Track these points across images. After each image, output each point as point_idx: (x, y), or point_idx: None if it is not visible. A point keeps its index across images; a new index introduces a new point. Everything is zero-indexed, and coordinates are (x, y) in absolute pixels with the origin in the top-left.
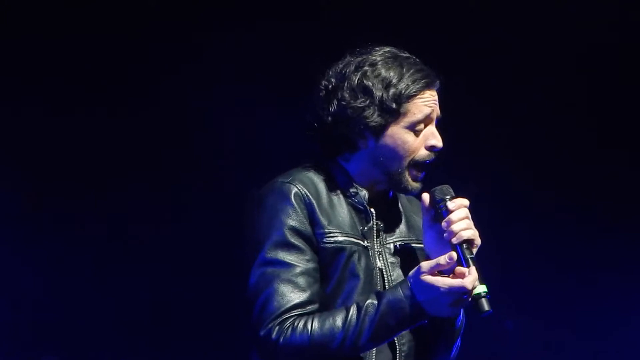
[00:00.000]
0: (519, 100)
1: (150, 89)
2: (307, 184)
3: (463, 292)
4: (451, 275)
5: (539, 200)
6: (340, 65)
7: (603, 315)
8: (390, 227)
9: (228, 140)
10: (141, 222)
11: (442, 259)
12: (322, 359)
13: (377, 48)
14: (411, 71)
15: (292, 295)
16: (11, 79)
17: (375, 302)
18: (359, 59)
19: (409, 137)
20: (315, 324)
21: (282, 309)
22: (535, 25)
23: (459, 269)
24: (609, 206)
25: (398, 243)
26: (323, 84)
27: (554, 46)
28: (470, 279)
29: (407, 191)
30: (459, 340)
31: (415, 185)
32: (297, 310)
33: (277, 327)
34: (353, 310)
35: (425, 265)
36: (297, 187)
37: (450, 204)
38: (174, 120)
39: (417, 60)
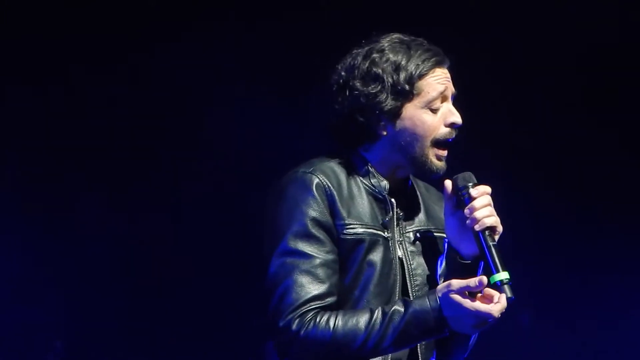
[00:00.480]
0: (519, 101)
1: (151, 88)
2: (328, 175)
3: (488, 317)
4: (479, 297)
5: (539, 200)
6: (349, 59)
7: (603, 314)
8: (410, 216)
9: (228, 140)
10: (142, 221)
11: (472, 282)
12: (339, 357)
13: (383, 36)
14: (419, 51)
15: (311, 286)
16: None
17: (402, 309)
18: (366, 48)
19: (427, 116)
20: (339, 322)
21: (301, 301)
22: (535, 26)
23: (488, 291)
24: (609, 206)
25: (418, 232)
26: (334, 79)
27: (554, 46)
28: (497, 307)
29: (432, 172)
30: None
31: (440, 164)
32: (316, 302)
33: (297, 319)
34: (378, 314)
35: (455, 283)
36: (318, 178)
37: (473, 191)
38: (173, 120)
39: (425, 41)
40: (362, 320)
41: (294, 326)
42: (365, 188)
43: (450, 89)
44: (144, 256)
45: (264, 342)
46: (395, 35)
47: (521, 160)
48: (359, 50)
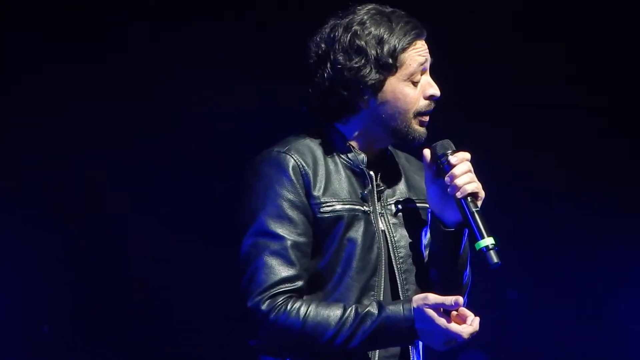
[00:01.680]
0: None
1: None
2: (303, 153)
3: (458, 338)
4: (453, 315)
5: (526, 179)
6: (327, 30)
7: (591, 291)
8: (391, 188)
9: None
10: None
11: (448, 300)
12: (305, 347)
13: (360, 7)
14: (400, 24)
15: (280, 268)
16: None
17: (375, 312)
18: (346, 20)
19: (408, 89)
20: (310, 313)
21: (270, 282)
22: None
23: (463, 311)
24: (595, 184)
25: (399, 203)
26: (313, 50)
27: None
28: (469, 329)
29: (414, 140)
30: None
31: (422, 130)
32: (285, 284)
33: (267, 301)
34: (350, 313)
35: (431, 298)
36: (293, 158)
37: (452, 158)
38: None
39: (403, 12)
40: (334, 315)
41: (264, 307)
42: (342, 163)
43: (429, 61)
44: (132, 239)
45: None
46: (372, 6)
47: (519, 130)
48: (338, 22)
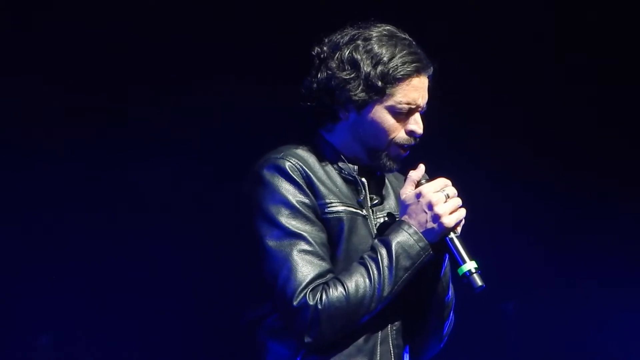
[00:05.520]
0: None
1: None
2: (299, 157)
3: (446, 185)
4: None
5: (521, 190)
6: (338, 36)
7: (586, 304)
8: (381, 202)
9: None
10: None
11: (414, 175)
12: (355, 318)
13: (378, 24)
14: (404, 52)
15: (313, 265)
16: None
17: (384, 249)
18: (356, 31)
19: (390, 118)
20: (346, 283)
21: (308, 279)
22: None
23: (412, 176)
24: (592, 196)
25: (389, 217)
26: (316, 51)
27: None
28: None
29: (385, 169)
30: (451, 316)
31: (393, 164)
32: (320, 279)
33: (310, 295)
34: (369, 263)
35: (402, 191)
36: (290, 161)
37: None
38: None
39: (414, 43)
40: (363, 274)
41: (311, 301)
42: (335, 170)
43: (423, 99)
44: (131, 249)
45: (254, 330)
46: (388, 27)
47: (506, 131)
48: (349, 31)
